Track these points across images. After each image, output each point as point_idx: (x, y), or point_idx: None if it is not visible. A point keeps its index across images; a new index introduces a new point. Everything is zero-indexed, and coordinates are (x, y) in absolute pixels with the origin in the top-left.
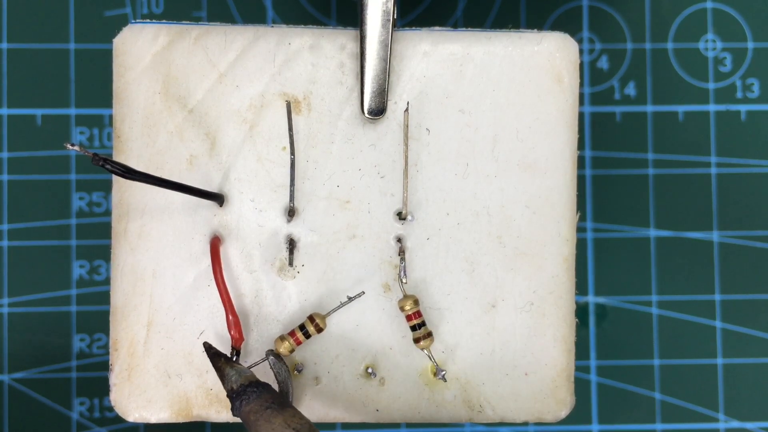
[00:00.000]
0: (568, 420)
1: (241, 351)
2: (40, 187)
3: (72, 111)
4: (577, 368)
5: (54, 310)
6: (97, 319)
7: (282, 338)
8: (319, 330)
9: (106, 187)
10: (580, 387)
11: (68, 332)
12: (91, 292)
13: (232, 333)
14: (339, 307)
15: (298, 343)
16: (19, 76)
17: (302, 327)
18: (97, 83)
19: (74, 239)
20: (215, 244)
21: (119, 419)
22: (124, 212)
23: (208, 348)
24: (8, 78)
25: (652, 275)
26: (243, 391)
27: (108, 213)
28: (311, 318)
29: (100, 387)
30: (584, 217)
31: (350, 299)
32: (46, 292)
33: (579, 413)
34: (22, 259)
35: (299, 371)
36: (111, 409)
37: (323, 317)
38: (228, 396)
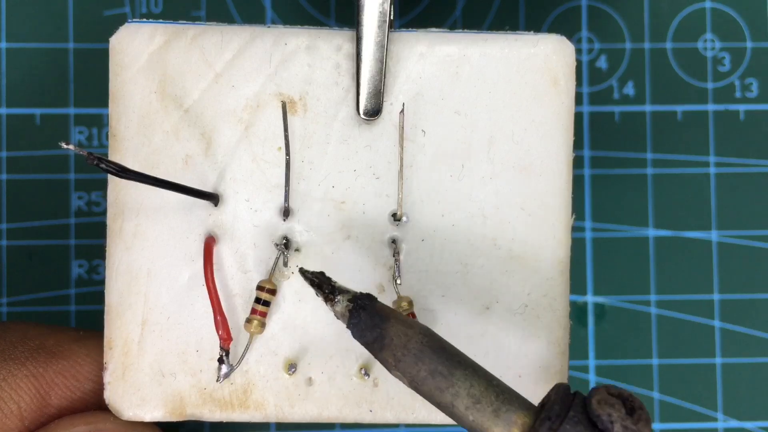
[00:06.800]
0: None
1: (230, 351)
2: (39, 186)
3: (71, 110)
4: (576, 368)
5: (53, 310)
6: (95, 318)
7: (248, 320)
8: (273, 292)
9: (105, 187)
10: (579, 387)
11: None
12: (90, 292)
13: (220, 333)
14: (276, 263)
15: (264, 315)
16: (17, 76)
17: (258, 300)
18: (96, 83)
19: (73, 239)
20: (209, 244)
21: None
22: (119, 211)
23: (304, 273)
24: (7, 77)
25: (651, 275)
26: (359, 305)
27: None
28: (260, 287)
29: None
30: (583, 217)
31: (279, 248)
32: (45, 292)
33: None
34: (21, 259)
35: (292, 372)
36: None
37: (269, 280)
38: (347, 322)
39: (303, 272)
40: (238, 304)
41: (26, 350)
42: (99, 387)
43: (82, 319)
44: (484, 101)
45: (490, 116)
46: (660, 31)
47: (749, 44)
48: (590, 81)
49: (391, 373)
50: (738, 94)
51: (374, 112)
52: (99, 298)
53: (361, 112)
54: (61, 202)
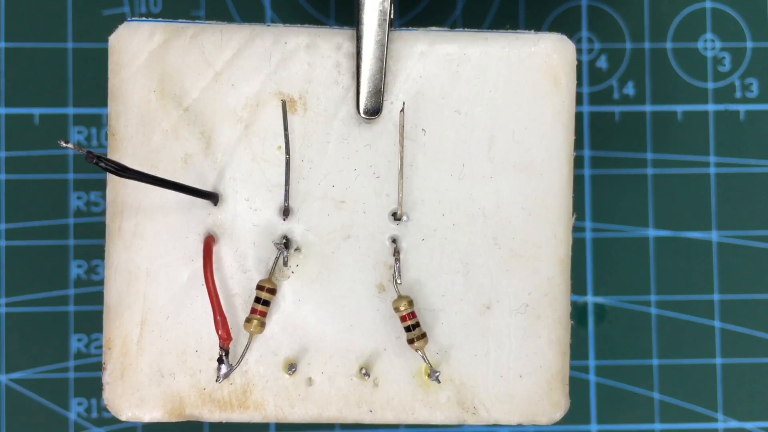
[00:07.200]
0: (567, 420)
1: (230, 351)
2: (38, 186)
3: (70, 110)
4: (576, 368)
5: (51, 310)
6: (94, 319)
7: (248, 320)
8: (273, 292)
9: (104, 187)
10: (579, 387)
11: (66, 332)
12: (88, 292)
13: (219, 333)
14: (276, 263)
15: (263, 314)
16: (16, 75)
17: (258, 299)
18: (94, 82)
19: (72, 239)
20: (208, 244)
21: (117, 419)
22: (118, 211)
23: None
24: (6, 77)
25: (651, 275)
26: None
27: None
28: (260, 286)
29: (98, 387)
30: (583, 217)
31: (279, 248)
32: (43, 292)
33: (578, 413)
34: (20, 259)
35: (292, 372)
36: None
37: (269, 279)
38: None
39: None
40: (238, 303)
41: None
42: None
43: (80, 320)
44: (484, 100)
45: (491, 115)
46: (660, 31)
47: (749, 44)
48: (590, 81)
49: None
50: (738, 94)
51: (374, 111)
52: (98, 298)
53: (362, 111)
54: (60, 202)
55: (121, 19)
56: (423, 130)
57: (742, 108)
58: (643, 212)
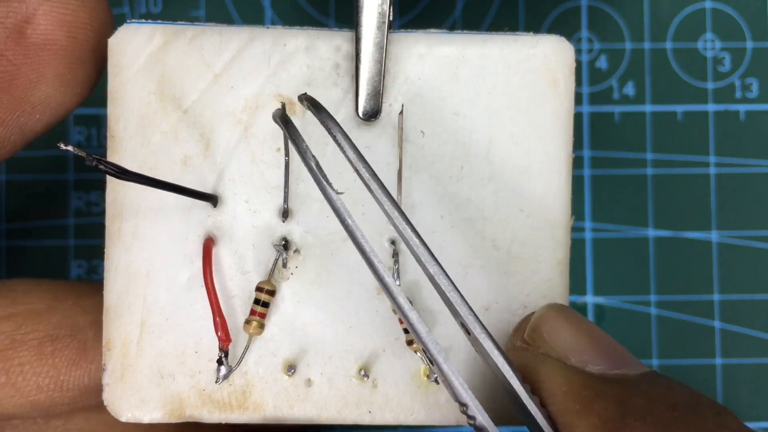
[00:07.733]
0: None
1: (229, 352)
2: (38, 186)
3: None
4: None
5: None
6: None
7: (248, 322)
8: (272, 293)
9: (104, 187)
10: None
11: None
12: None
13: (219, 334)
14: (275, 264)
15: (263, 316)
16: None
17: (257, 301)
18: None
19: (72, 239)
20: (208, 245)
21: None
22: (117, 212)
23: None
24: None
25: (651, 275)
26: None
27: None
28: (259, 288)
29: None
30: (583, 217)
31: (278, 250)
32: None
33: None
34: (20, 259)
35: (291, 373)
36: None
37: (268, 281)
38: None
39: None
40: (237, 305)
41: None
42: None
43: None
44: (483, 102)
45: (490, 117)
46: (660, 31)
47: (749, 44)
48: (590, 81)
49: None
50: (738, 94)
51: (373, 113)
52: None
53: (361, 113)
54: (60, 203)
55: (121, 20)
56: (422, 132)
57: (742, 108)
58: (642, 212)
